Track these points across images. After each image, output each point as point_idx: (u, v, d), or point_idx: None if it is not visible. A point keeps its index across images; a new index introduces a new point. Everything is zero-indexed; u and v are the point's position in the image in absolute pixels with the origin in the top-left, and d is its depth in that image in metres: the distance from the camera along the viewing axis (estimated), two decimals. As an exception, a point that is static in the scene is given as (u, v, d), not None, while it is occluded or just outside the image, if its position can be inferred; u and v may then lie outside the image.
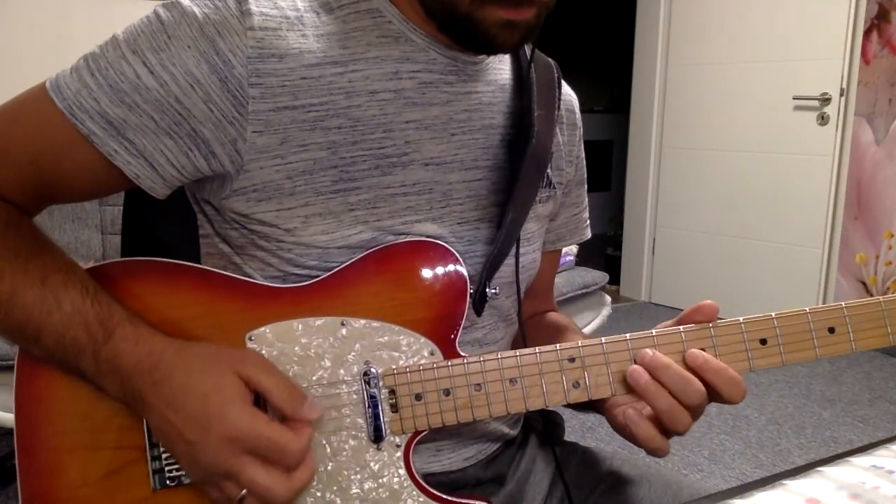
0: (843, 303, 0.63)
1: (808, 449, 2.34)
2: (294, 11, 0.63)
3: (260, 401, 0.59)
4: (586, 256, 2.65)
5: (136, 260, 0.65)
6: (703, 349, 0.62)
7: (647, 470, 0.81)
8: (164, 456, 0.62)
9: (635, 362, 0.62)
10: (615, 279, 4.14)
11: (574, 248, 2.32)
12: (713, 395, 0.61)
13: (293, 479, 0.58)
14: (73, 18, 2.47)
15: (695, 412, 0.61)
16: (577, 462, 0.84)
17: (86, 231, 2.10)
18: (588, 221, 0.90)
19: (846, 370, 3.01)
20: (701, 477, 2.16)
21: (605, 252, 4.46)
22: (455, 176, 0.69)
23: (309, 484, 0.61)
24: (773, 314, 0.63)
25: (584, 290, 2.25)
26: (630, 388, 0.62)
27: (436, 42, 0.67)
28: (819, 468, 0.53)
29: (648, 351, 0.61)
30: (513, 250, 0.72)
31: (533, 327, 0.85)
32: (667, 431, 0.62)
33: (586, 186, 0.89)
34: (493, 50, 0.66)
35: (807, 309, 0.63)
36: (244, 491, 0.57)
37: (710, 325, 0.63)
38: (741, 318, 0.63)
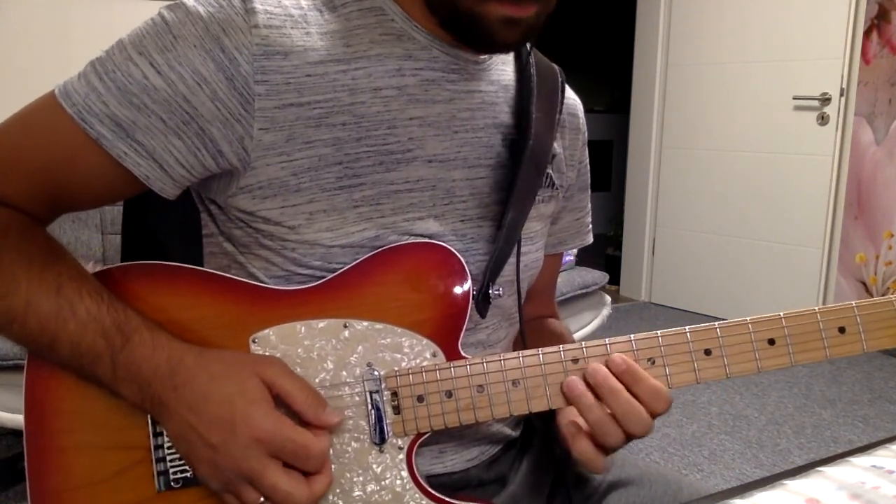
0: (853, 302, 0.62)
1: (808, 449, 2.34)
2: (297, 10, 0.63)
3: (279, 406, 0.59)
4: (586, 256, 2.65)
5: (142, 263, 0.66)
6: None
7: (647, 470, 0.81)
8: (168, 457, 0.62)
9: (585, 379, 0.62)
10: (615, 279, 4.14)
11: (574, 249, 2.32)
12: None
13: (312, 485, 0.58)
14: (74, 19, 2.46)
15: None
16: (577, 463, 0.83)
17: (86, 231, 2.10)
18: (590, 226, 0.90)
19: (846, 370, 3.01)
20: (701, 477, 2.16)
21: (605, 252, 4.46)
22: (458, 173, 0.69)
23: (326, 493, 0.61)
24: (781, 314, 0.62)
25: (584, 290, 2.25)
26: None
27: (438, 40, 0.67)
28: (819, 468, 0.53)
29: (602, 370, 0.61)
30: (514, 249, 0.72)
31: (534, 331, 0.84)
32: (602, 447, 0.62)
33: (589, 191, 0.89)
34: (494, 48, 0.66)
35: (816, 308, 0.62)
36: (262, 499, 0.57)
37: (717, 325, 0.63)
38: (748, 318, 0.62)
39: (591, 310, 2.33)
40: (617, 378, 0.61)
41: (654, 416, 0.61)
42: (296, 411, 0.59)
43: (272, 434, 0.56)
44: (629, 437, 0.61)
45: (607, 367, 0.61)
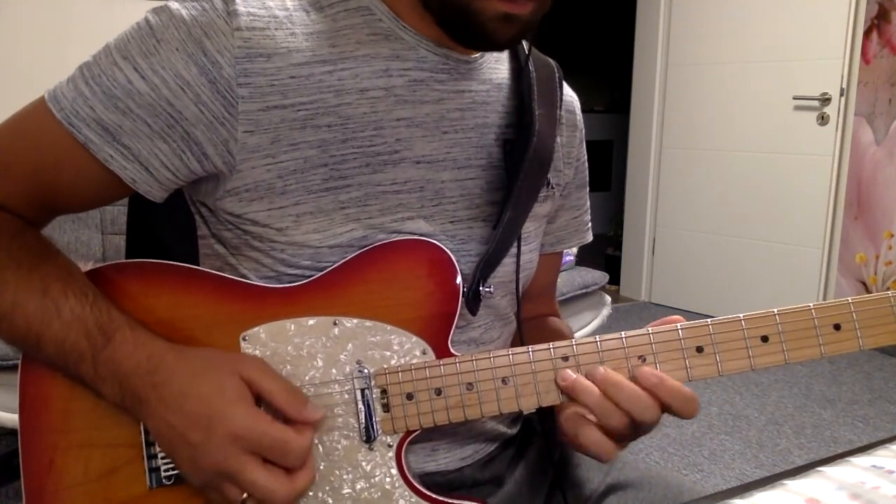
0: (849, 298, 0.61)
1: (808, 449, 2.33)
2: (283, 11, 0.63)
3: (260, 404, 0.59)
4: (586, 256, 2.65)
5: (134, 262, 0.66)
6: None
7: (647, 472, 0.80)
8: (160, 455, 0.62)
9: (587, 377, 0.61)
10: (615, 279, 4.14)
11: (574, 248, 2.32)
12: (666, 411, 0.60)
13: (294, 481, 0.58)
14: (74, 19, 2.47)
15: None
16: (577, 464, 0.83)
17: (86, 231, 2.11)
18: (589, 224, 0.90)
19: (846, 370, 3.00)
20: (701, 477, 2.15)
21: (605, 252, 4.46)
22: (447, 174, 0.69)
23: (309, 488, 0.61)
24: (774, 310, 0.61)
25: (584, 290, 2.25)
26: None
27: (426, 40, 0.67)
28: (819, 468, 0.53)
29: (600, 369, 0.61)
30: (511, 250, 0.72)
31: (534, 329, 0.84)
32: (609, 433, 0.61)
33: (588, 189, 0.88)
34: (489, 45, 0.65)
35: (810, 305, 0.61)
36: (245, 494, 0.57)
37: (709, 322, 0.62)
38: (741, 315, 0.61)
39: (591, 310, 2.32)
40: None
41: (665, 407, 0.60)
42: (276, 408, 0.59)
43: (249, 430, 0.56)
44: (638, 426, 0.60)
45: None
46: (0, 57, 2.38)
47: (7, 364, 1.56)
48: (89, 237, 2.11)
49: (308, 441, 0.59)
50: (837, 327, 0.61)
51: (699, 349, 0.62)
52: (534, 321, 0.86)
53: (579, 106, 0.83)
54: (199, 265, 0.72)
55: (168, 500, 0.62)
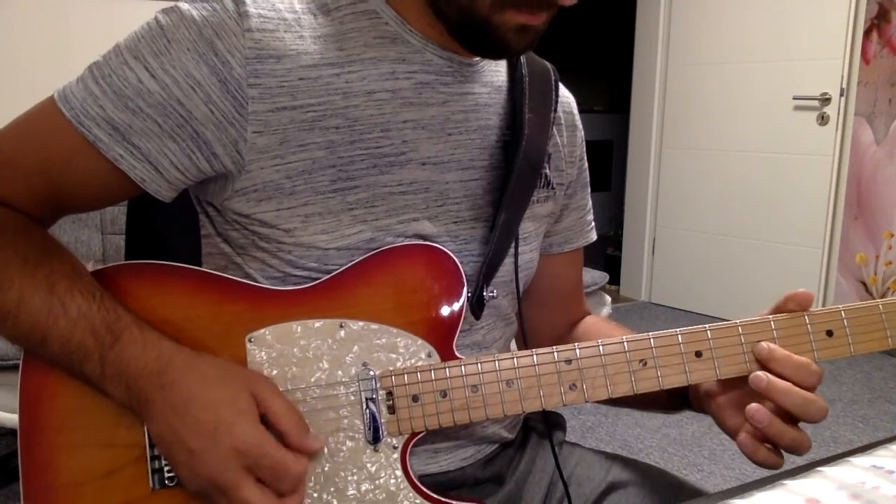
0: (840, 306, 0.64)
1: (807, 449, 2.33)
2: (291, 13, 0.64)
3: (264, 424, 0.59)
4: (586, 256, 2.65)
5: (139, 263, 0.66)
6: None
7: (647, 471, 0.81)
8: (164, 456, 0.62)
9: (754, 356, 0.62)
10: (615, 279, 4.14)
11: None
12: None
13: None
14: (73, 20, 2.47)
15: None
16: (577, 463, 0.83)
17: (86, 231, 2.10)
18: (592, 224, 0.91)
19: (846, 370, 3.01)
20: (701, 477, 2.16)
21: (605, 252, 4.46)
22: (452, 175, 0.70)
23: (321, 491, 0.61)
24: (770, 318, 0.63)
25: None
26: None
27: (432, 43, 0.68)
28: (819, 468, 0.53)
29: (764, 345, 0.62)
30: (511, 250, 0.73)
31: (571, 341, 0.85)
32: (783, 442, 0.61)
33: (589, 189, 0.89)
34: (504, 54, 0.67)
35: (804, 312, 0.63)
36: None
37: (707, 327, 0.63)
38: (738, 322, 0.63)
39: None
40: (765, 367, 0.61)
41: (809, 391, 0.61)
42: (280, 431, 0.59)
43: (253, 446, 0.56)
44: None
45: (756, 356, 0.62)
46: (0, 57, 2.38)
47: (7, 364, 1.56)
48: (89, 237, 2.11)
49: (304, 467, 0.59)
50: (830, 333, 0.63)
51: (698, 354, 0.63)
52: (570, 333, 0.87)
53: (576, 107, 0.84)
54: (200, 264, 0.72)
55: (170, 502, 0.62)
